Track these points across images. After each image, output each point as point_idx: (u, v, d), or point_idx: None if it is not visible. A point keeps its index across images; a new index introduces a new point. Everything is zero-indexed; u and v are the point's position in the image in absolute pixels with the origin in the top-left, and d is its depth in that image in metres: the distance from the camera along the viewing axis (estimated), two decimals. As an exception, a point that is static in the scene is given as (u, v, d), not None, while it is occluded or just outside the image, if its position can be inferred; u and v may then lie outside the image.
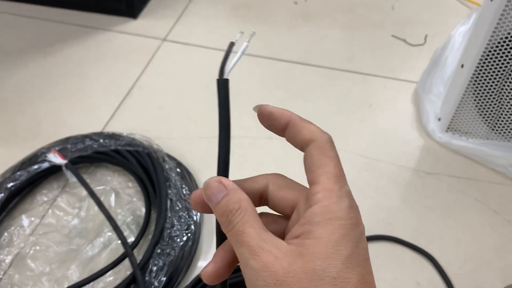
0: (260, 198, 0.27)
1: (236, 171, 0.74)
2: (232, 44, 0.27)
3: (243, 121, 0.81)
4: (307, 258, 0.22)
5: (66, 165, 0.69)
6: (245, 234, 0.23)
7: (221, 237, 0.27)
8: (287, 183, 0.27)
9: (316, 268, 0.22)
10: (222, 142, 0.27)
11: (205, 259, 0.63)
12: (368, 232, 0.65)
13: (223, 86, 0.27)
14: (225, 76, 0.27)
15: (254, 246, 0.23)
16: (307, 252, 0.22)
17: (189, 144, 0.78)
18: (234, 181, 0.27)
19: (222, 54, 0.26)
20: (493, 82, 0.66)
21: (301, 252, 0.22)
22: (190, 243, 0.62)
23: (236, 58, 0.27)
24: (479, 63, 0.66)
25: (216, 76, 0.26)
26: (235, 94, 0.87)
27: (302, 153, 0.26)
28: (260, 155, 0.76)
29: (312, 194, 0.24)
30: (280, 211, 0.27)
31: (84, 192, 0.69)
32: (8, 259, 0.63)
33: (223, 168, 0.27)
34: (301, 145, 0.26)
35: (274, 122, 0.27)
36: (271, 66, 0.93)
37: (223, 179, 0.26)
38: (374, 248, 0.64)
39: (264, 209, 0.28)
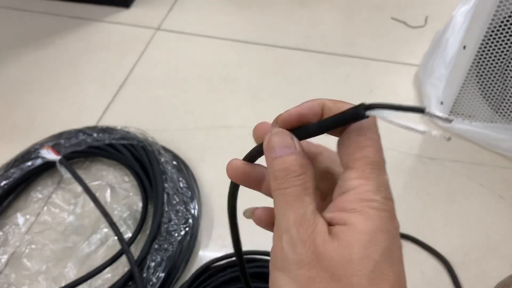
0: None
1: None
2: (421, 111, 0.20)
3: (241, 111, 0.79)
4: (344, 243, 0.20)
5: (60, 160, 0.68)
6: (302, 202, 0.21)
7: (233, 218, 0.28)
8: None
9: (353, 255, 0.20)
10: None
11: (204, 253, 0.62)
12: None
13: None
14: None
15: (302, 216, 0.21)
16: (344, 238, 0.20)
17: (185, 136, 0.76)
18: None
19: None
20: (496, 63, 0.64)
21: (338, 237, 0.20)
22: (188, 238, 0.60)
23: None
24: (482, 44, 0.63)
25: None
26: (232, 83, 0.84)
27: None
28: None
29: (346, 179, 0.22)
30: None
31: (79, 188, 0.68)
32: (4, 258, 0.62)
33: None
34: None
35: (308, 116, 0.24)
36: (268, 52, 0.91)
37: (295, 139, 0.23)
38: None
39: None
